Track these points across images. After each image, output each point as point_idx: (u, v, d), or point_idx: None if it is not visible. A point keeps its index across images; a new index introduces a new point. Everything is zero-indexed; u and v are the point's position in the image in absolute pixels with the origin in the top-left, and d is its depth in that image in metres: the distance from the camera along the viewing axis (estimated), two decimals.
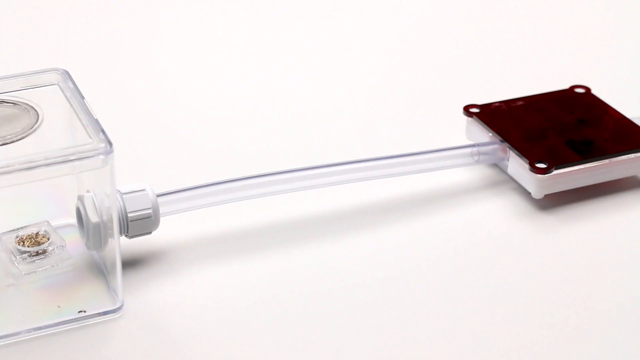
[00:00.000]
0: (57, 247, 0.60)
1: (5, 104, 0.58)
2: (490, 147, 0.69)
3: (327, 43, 0.90)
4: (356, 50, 0.88)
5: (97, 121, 0.56)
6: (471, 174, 0.70)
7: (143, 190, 0.60)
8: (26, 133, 0.56)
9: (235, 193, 0.62)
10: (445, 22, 0.93)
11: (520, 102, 0.73)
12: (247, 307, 0.59)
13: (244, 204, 0.64)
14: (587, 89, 0.74)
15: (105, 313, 0.57)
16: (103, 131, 0.55)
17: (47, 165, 0.53)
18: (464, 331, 0.57)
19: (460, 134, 0.72)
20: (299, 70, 0.85)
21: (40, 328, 0.56)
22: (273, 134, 0.75)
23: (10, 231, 0.61)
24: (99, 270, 0.60)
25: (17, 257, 0.60)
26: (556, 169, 0.66)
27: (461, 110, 0.72)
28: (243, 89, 0.82)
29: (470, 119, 0.71)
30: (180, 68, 0.85)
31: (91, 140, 0.54)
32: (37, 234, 0.61)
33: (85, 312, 0.57)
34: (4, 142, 0.55)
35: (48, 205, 0.61)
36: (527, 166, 0.66)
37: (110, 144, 0.54)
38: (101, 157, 0.54)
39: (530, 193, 0.67)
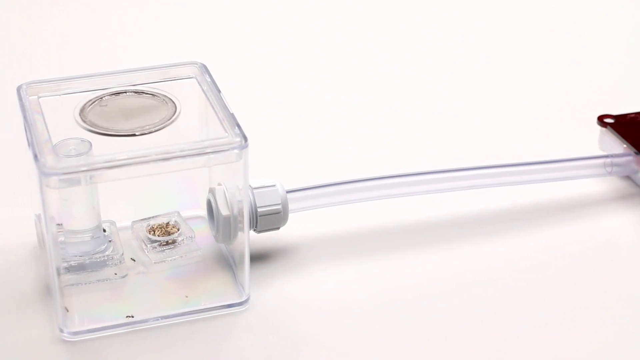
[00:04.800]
0: (186, 238, 0.61)
1: (144, 95, 0.59)
2: (624, 159, 0.68)
3: (465, 48, 0.89)
4: (493, 56, 0.88)
5: (232, 115, 0.56)
6: (603, 185, 0.69)
7: (273, 185, 0.60)
8: (163, 124, 0.57)
9: (365, 193, 0.62)
10: (586, 30, 0.92)
11: None
12: (372, 308, 0.59)
13: (373, 204, 0.64)
14: None
15: (230, 306, 0.58)
16: (238, 125, 0.55)
17: (183, 157, 0.54)
18: (583, 342, 0.57)
19: (593, 144, 0.71)
20: (433, 75, 0.85)
21: (167, 317, 0.57)
22: (406, 137, 0.75)
23: (141, 220, 0.62)
24: (227, 263, 0.60)
25: (148, 245, 0.61)
26: None
27: (595, 120, 0.70)
28: (380, 91, 0.82)
29: (604, 129, 0.70)
30: (316, 68, 0.85)
31: (227, 134, 0.55)
32: (167, 224, 0.62)
33: (133, 317, 0.57)
34: (142, 132, 0.56)
35: (179, 196, 0.62)
36: None
37: (245, 138, 0.54)
38: (236, 151, 0.54)
39: None
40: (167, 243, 0.61)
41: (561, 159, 0.67)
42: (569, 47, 0.89)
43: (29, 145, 0.54)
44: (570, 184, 0.68)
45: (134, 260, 0.60)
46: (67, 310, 0.56)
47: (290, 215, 0.61)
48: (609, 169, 0.67)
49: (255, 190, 0.60)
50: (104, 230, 0.60)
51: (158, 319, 0.57)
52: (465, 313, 0.58)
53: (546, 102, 0.80)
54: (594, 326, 0.58)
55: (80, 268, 0.59)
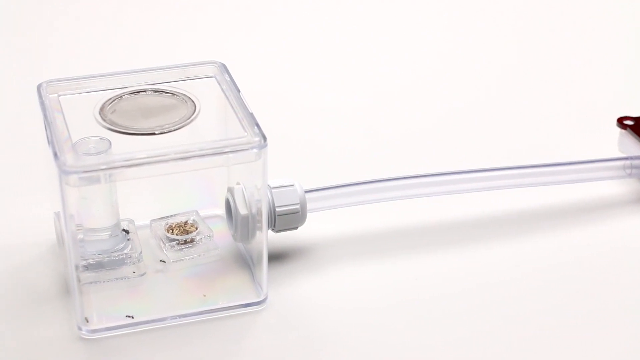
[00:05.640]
0: (204, 237, 0.61)
1: (164, 94, 0.59)
2: None
3: (486, 49, 0.89)
4: (510, 55, 0.88)
5: (252, 115, 0.56)
6: (622, 187, 0.69)
7: (292, 185, 0.60)
8: (183, 123, 0.57)
9: (384, 193, 0.62)
10: (607, 30, 0.92)
11: None
12: (389, 308, 0.59)
13: (392, 204, 0.64)
14: None
15: (248, 305, 0.58)
16: (258, 125, 0.55)
17: (202, 156, 0.54)
18: (603, 344, 0.57)
19: (612, 146, 0.71)
20: (452, 75, 0.85)
21: (185, 315, 0.57)
22: (424, 136, 0.75)
23: (160, 218, 0.62)
24: (245, 262, 0.61)
25: (166, 244, 0.61)
26: None
27: (615, 122, 0.70)
28: (402, 91, 0.82)
29: (623, 131, 0.70)
30: (336, 68, 0.85)
31: (246, 133, 0.55)
32: (185, 222, 0.62)
33: (132, 317, 0.57)
34: (161, 131, 0.56)
35: (198, 195, 0.62)
36: None
37: (264, 138, 0.54)
38: (255, 150, 0.54)
39: None
40: (186, 242, 0.61)
41: (580, 160, 0.66)
42: (589, 48, 0.89)
43: (48, 143, 0.55)
44: (590, 185, 0.68)
45: (165, 262, 0.60)
46: (87, 321, 0.56)
47: (308, 215, 0.61)
48: (628, 171, 0.67)
49: (273, 190, 0.60)
50: (127, 232, 0.60)
51: (176, 318, 0.57)
52: (485, 314, 0.58)
53: (565, 103, 0.80)
54: (612, 328, 0.58)
55: (98, 266, 0.59)
